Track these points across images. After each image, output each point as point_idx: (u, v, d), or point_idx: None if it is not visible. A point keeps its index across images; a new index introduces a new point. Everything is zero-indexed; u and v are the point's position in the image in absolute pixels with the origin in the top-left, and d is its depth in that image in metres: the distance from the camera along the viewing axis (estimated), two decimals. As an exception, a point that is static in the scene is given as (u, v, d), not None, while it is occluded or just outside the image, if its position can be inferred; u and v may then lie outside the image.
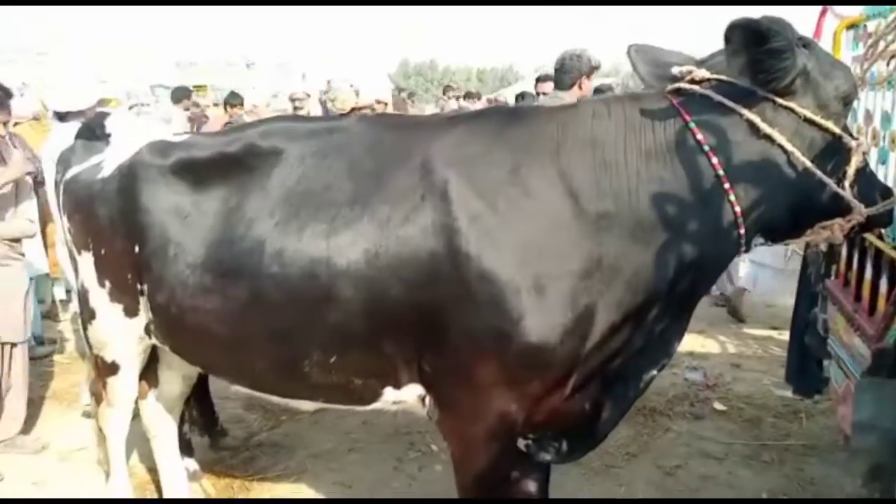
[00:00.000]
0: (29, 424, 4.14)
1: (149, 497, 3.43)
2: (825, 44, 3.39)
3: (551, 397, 2.18)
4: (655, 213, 2.03)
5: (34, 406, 4.33)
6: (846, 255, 3.49)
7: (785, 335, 4.94)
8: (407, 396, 2.35)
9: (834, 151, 2.03)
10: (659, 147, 2.05)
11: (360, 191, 2.22)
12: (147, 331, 2.79)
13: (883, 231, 2.84)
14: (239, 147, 2.47)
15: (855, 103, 3.07)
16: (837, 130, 2.03)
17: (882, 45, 2.61)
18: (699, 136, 2.02)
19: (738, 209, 2.01)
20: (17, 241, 3.98)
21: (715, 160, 2.00)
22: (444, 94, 13.53)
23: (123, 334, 2.86)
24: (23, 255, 4.04)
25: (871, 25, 3.18)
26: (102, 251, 2.74)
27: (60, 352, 5.52)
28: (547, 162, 2.10)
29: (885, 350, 2.80)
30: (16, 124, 5.86)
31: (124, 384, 3.02)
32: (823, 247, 3.77)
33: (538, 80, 6.74)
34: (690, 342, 5.52)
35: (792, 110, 1.99)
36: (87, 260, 2.81)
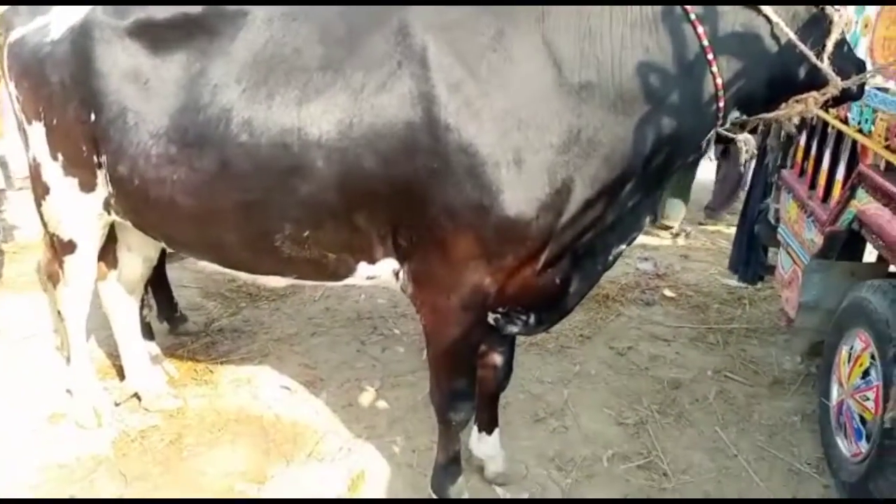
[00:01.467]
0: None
1: (109, 381, 3.41)
2: None
3: (524, 271, 2.20)
4: (637, 84, 2.01)
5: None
6: (804, 145, 3.57)
7: (731, 230, 5.13)
8: (380, 271, 2.34)
9: (816, 23, 2.02)
10: (644, 16, 2.01)
11: (331, 56, 2.11)
12: (107, 206, 2.67)
13: (848, 115, 2.89)
14: (202, 8, 2.30)
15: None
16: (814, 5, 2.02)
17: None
18: (686, 6, 1.98)
19: (719, 81, 2.00)
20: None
21: (700, 30, 1.98)
22: None
23: (80, 210, 2.73)
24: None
25: None
26: (54, 121, 2.55)
27: (5, 241, 5.31)
28: (531, 29, 2.03)
29: (837, 234, 2.93)
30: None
31: (82, 263, 2.91)
32: (781, 137, 3.88)
33: None
34: (642, 235, 5.67)
35: None
36: (37, 130, 2.62)
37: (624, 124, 2.04)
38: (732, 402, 3.41)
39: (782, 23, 1.97)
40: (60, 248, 2.89)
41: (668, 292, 4.62)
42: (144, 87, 2.32)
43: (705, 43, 1.98)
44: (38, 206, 2.86)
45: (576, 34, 2.02)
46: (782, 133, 3.90)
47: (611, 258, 2.37)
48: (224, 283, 4.52)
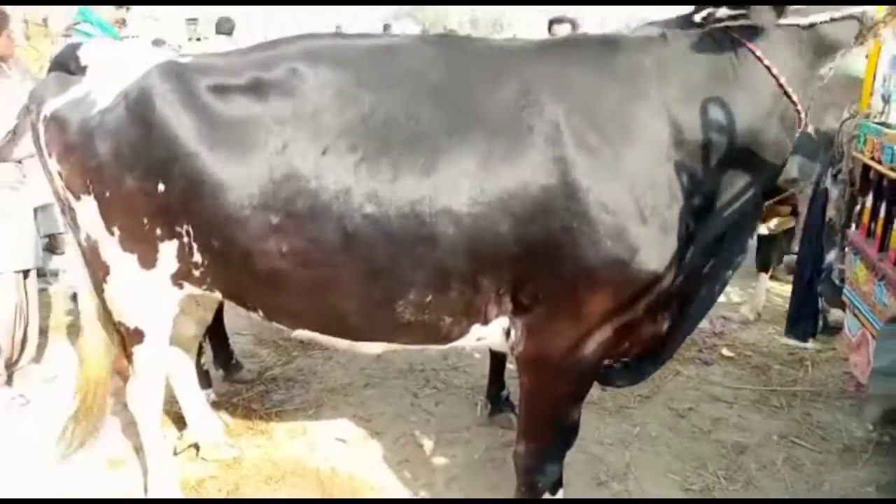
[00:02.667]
0: (38, 354, 4.11)
1: (166, 430, 3.42)
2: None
3: (644, 322, 2.22)
4: (733, 140, 2.14)
5: (41, 336, 4.28)
6: (871, 207, 3.50)
7: (787, 287, 5.02)
8: (492, 331, 2.32)
9: None
10: (738, 77, 2.15)
11: (452, 121, 2.12)
12: (185, 278, 2.48)
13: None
14: (282, 71, 2.23)
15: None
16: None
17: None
18: (766, 62, 2.12)
19: (801, 111, 2.18)
20: (20, 163, 3.84)
21: (776, 69, 2.13)
22: None
23: (145, 287, 2.53)
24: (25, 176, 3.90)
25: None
26: (107, 193, 2.37)
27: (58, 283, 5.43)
28: (651, 93, 2.13)
29: (914, 298, 2.84)
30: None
31: (153, 352, 2.70)
32: (845, 196, 3.82)
33: (552, 22, 6.58)
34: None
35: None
36: (89, 205, 2.43)
37: (726, 179, 2.17)
38: (801, 469, 3.28)
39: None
40: (128, 337, 2.69)
41: (726, 351, 4.50)
42: (230, 155, 2.21)
43: (794, 98, 2.15)
44: (100, 290, 2.66)
45: (685, 95, 2.14)
46: (847, 192, 3.86)
47: (719, 286, 2.38)
48: (277, 332, 4.52)
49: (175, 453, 3.23)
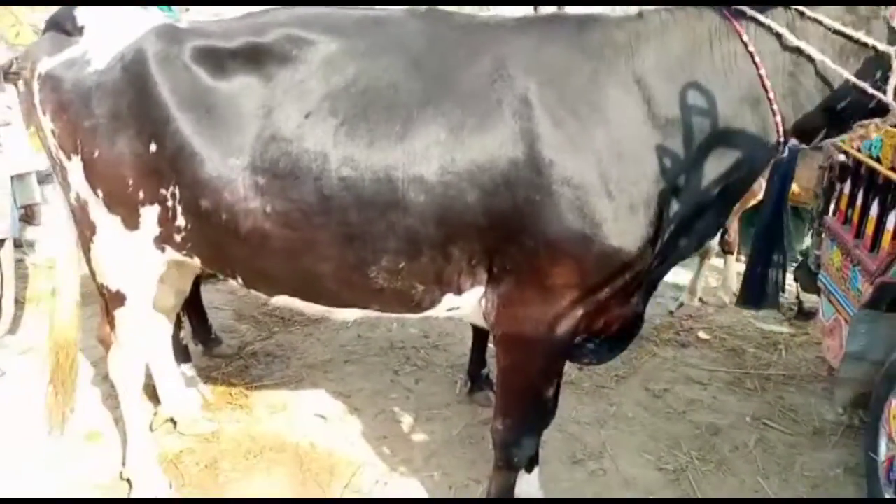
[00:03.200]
0: (14, 325, 4.07)
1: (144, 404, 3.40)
2: None
3: (614, 300, 2.24)
4: (711, 119, 2.12)
5: (17, 307, 4.23)
6: (848, 194, 3.55)
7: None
8: (464, 302, 2.35)
9: (873, 58, 2.07)
10: (716, 57, 2.13)
11: (429, 92, 2.16)
12: (166, 242, 2.49)
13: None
14: (274, 37, 2.27)
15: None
16: (869, 41, 2.05)
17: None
18: (750, 49, 2.10)
19: (777, 118, 2.12)
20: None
21: (763, 71, 2.09)
22: None
23: (127, 249, 2.54)
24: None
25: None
26: (96, 153, 2.39)
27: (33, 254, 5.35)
28: (622, 68, 2.13)
29: (888, 285, 2.89)
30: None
31: (135, 318, 2.68)
32: (823, 183, 3.87)
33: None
34: (678, 275, 5.63)
35: (819, 21, 2.07)
36: (79, 165, 2.45)
37: (701, 156, 2.14)
38: (773, 451, 3.35)
39: (827, 60, 2.05)
40: (111, 300, 2.67)
41: (702, 334, 4.57)
42: (220, 116, 2.25)
43: (767, 83, 2.10)
44: (87, 251, 2.65)
45: (660, 73, 2.13)
46: (825, 179, 3.91)
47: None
48: (256, 307, 4.54)
49: (152, 429, 3.21)
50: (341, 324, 4.37)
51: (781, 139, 2.17)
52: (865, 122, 2.10)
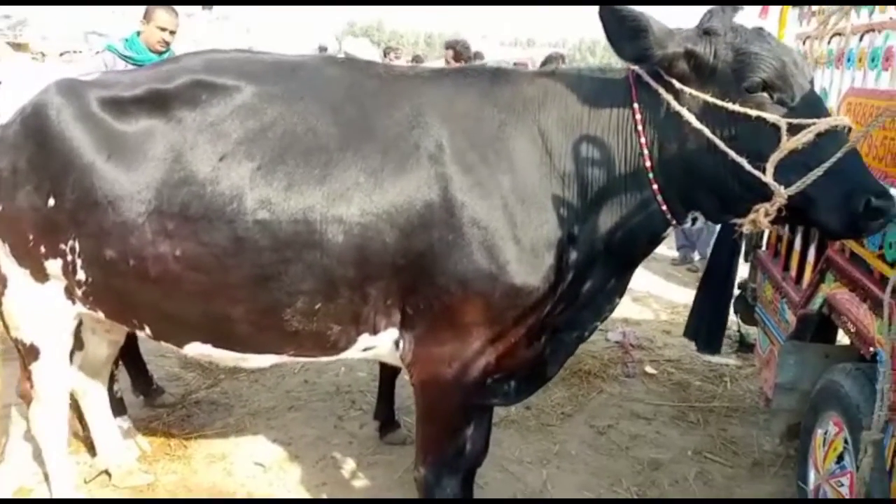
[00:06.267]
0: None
1: (79, 456, 3.35)
2: (772, 20, 3.52)
3: (520, 341, 2.29)
4: (598, 178, 2.21)
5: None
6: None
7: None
8: (380, 342, 2.37)
9: (760, 132, 1.97)
10: (609, 119, 2.20)
11: (348, 137, 2.21)
12: (70, 295, 2.50)
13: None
14: (181, 82, 2.30)
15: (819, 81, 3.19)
16: (751, 112, 1.96)
17: (830, 22, 2.71)
18: (637, 116, 2.16)
19: (655, 186, 2.16)
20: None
21: (643, 139, 2.15)
22: (385, 55, 12.96)
23: (38, 302, 2.52)
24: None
25: (815, 5, 3.30)
26: (1, 208, 2.41)
27: None
28: (529, 121, 2.24)
29: (809, 315, 2.96)
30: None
31: (51, 370, 2.64)
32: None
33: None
34: (627, 309, 5.71)
35: (691, 94, 2.03)
36: None
37: (591, 211, 2.22)
38: (712, 483, 3.37)
39: (706, 130, 2.00)
40: (26, 354, 2.64)
41: (649, 368, 4.61)
42: (124, 163, 2.26)
43: (645, 152, 2.15)
44: None
45: (562, 128, 2.23)
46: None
47: (586, 333, 2.48)
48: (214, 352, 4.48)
49: (85, 481, 3.15)
50: (288, 369, 4.34)
51: (664, 208, 2.18)
52: (758, 205, 1.95)
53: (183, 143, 2.24)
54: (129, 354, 3.66)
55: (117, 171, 2.26)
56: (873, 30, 2.80)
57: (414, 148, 2.19)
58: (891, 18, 2.66)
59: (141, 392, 3.85)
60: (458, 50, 8.11)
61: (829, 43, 3.15)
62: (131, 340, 3.54)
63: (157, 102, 2.29)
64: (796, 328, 3.09)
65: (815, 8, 3.30)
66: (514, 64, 10.90)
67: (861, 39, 2.90)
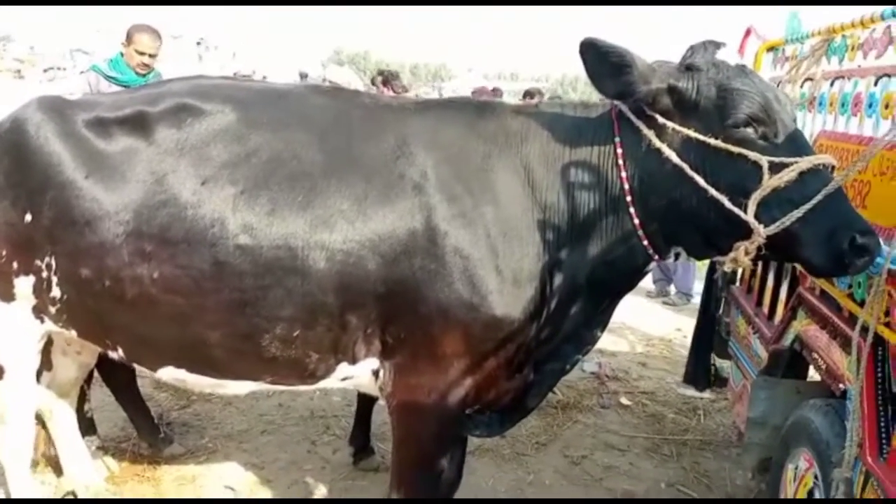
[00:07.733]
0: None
1: (46, 476, 3.28)
2: (748, 60, 3.62)
3: (501, 372, 2.29)
4: (580, 212, 2.23)
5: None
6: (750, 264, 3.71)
7: (688, 337, 5.21)
8: (359, 371, 2.36)
9: (742, 169, 1.98)
10: (591, 153, 2.24)
11: (332, 164, 2.22)
12: (41, 313, 2.47)
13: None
14: (165, 105, 2.30)
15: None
16: (732, 149, 1.97)
17: (803, 67, 2.80)
18: (619, 150, 2.18)
19: (636, 221, 2.18)
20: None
21: (624, 174, 2.17)
22: (372, 83, 12.96)
23: (4, 323, 2.49)
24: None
25: (789, 50, 3.41)
26: None
27: None
28: (512, 154, 2.27)
29: (781, 351, 3.01)
30: None
31: (17, 391, 2.60)
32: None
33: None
34: (603, 340, 5.72)
35: (674, 129, 2.04)
36: None
37: (572, 245, 2.24)
38: (684, 517, 3.38)
39: (686, 167, 2.01)
40: None
41: (624, 400, 4.64)
42: (104, 183, 2.24)
43: (626, 186, 2.17)
44: None
45: (544, 162, 2.25)
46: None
47: (568, 366, 2.49)
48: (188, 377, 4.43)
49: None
50: (262, 392, 4.29)
51: (645, 242, 2.19)
52: (739, 243, 1.94)
53: (165, 165, 2.23)
54: (129, 396, 3.56)
55: (97, 190, 2.25)
56: (843, 76, 2.90)
57: (398, 177, 2.21)
58: (859, 66, 2.75)
59: (147, 441, 3.58)
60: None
61: (801, 87, 3.25)
62: (130, 380, 3.49)
63: (141, 124, 2.29)
64: (768, 363, 3.14)
65: (788, 52, 3.41)
66: (472, 91, 11.17)
67: (832, 85, 3.01)
